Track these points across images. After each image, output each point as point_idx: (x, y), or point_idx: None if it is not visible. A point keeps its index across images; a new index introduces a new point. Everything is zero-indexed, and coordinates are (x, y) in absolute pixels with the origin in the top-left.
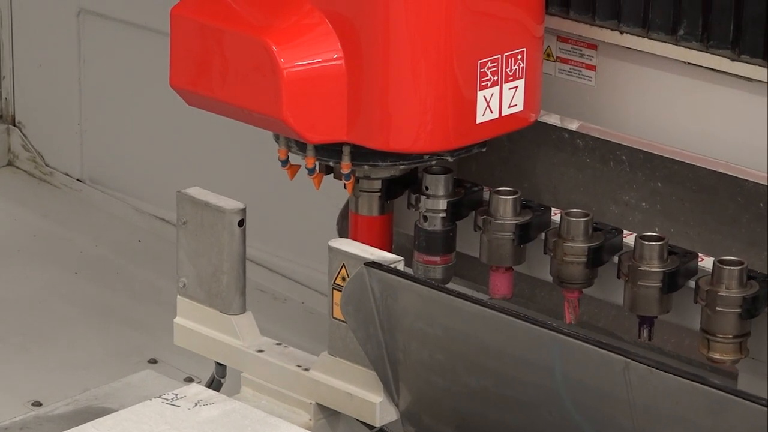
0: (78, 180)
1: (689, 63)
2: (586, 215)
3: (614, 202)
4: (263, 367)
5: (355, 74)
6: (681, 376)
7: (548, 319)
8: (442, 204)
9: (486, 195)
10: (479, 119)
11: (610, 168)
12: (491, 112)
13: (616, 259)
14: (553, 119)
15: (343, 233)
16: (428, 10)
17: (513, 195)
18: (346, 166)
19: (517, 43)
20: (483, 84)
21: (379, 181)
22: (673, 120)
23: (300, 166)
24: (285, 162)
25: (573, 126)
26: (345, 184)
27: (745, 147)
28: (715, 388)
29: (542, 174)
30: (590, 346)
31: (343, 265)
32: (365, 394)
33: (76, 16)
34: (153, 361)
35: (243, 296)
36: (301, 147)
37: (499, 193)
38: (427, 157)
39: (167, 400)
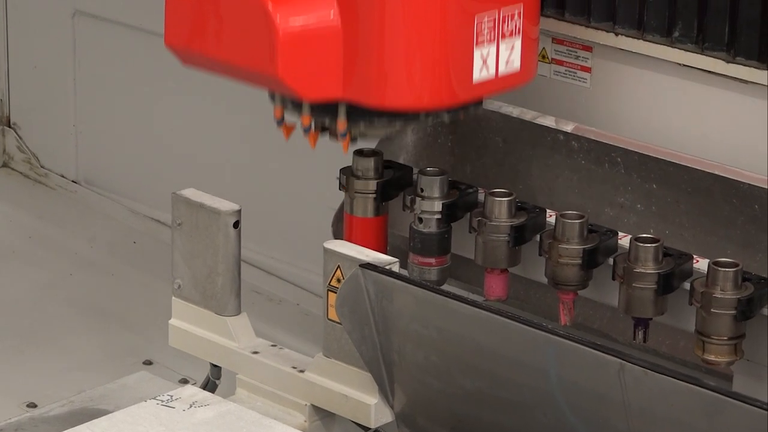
0: (73, 181)
1: (684, 65)
2: (581, 217)
3: (609, 203)
4: (258, 368)
5: (351, 31)
6: (676, 378)
7: (543, 321)
8: (437, 206)
9: (481, 197)
10: (476, 77)
11: (605, 170)
12: (488, 70)
13: (611, 260)
14: (548, 121)
15: (338, 235)
16: None
17: (508, 197)
18: (341, 124)
19: None
20: (479, 41)
21: (375, 183)
22: (668, 122)
23: (295, 125)
24: (280, 121)
25: (568, 128)
26: (342, 144)
27: (740, 149)
28: (710, 389)
29: (537, 176)
30: (585, 347)
31: (338, 266)
32: (360, 396)
33: (71, 17)
34: (148, 363)
35: (238, 298)
36: (297, 106)
37: (494, 194)
38: (423, 115)
39: (162, 401)
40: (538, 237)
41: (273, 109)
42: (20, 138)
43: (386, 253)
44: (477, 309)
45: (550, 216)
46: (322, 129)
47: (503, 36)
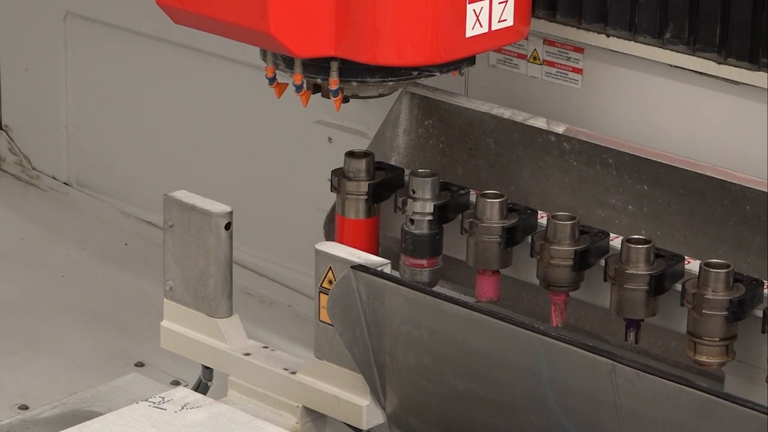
0: (65, 183)
1: (676, 66)
2: (573, 218)
3: (601, 205)
4: (250, 370)
5: None
6: (667, 379)
7: (535, 323)
8: (429, 207)
9: (472, 198)
10: (468, 33)
11: (597, 171)
12: (481, 25)
13: (602, 262)
14: (540, 122)
15: (329, 236)
16: None
17: (499, 198)
18: (333, 83)
19: None
20: None
21: (366, 184)
22: (659, 123)
23: (287, 84)
24: (272, 80)
25: (559, 129)
26: (334, 101)
27: (732, 150)
28: (701, 391)
29: (529, 177)
30: (577, 349)
31: (330, 268)
32: (352, 398)
33: (63, 19)
34: (140, 365)
35: (230, 299)
36: (289, 64)
37: (485, 196)
38: (415, 72)
39: (154, 403)
40: (529, 238)
41: (264, 68)
42: (12, 140)
43: (378, 255)
44: (469, 310)
45: (542, 217)
46: (314, 88)
47: None
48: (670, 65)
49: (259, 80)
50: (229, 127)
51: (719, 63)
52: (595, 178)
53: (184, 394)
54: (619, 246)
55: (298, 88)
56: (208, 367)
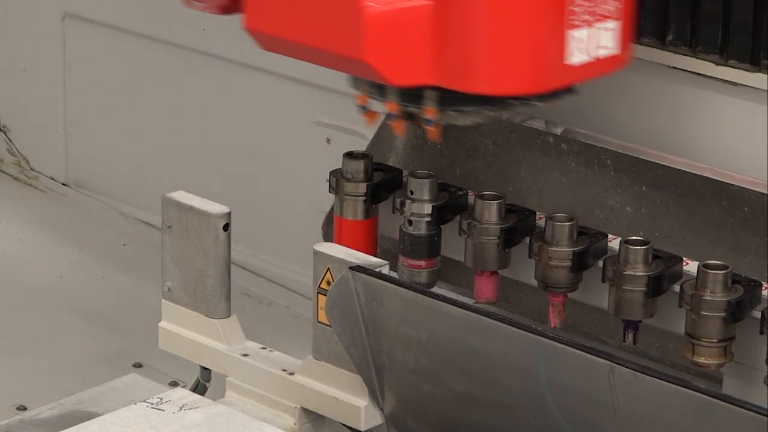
0: (63, 184)
1: (676, 68)
2: (571, 219)
3: (599, 206)
4: (248, 371)
5: (441, 11)
6: (665, 380)
7: (533, 324)
8: (427, 208)
9: (471, 199)
10: (569, 61)
11: (595, 172)
12: (582, 53)
13: (600, 263)
14: (538, 123)
15: (328, 237)
16: None
17: (498, 199)
18: (430, 112)
19: None
20: (573, 23)
21: (365, 185)
22: (658, 124)
23: (378, 112)
24: (363, 108)
25: (558, 130)
26: (428, 130)
27: (730, 151)
28: (699, 392)
29: (527, 178)
30: (575, 350)
31: (328, 269)
32: (350, 398)
33: (61, 20)
34: (138, 365)
35: (228, 300)
36: (382, 92)
37: (483, 197)
38: (514, 101)
39: (152, 404)
40: (527, 239)
41: (355, 95)
42: (10, 141)
43: (376, 256)
44: (467, 311)
45: (540, 218)
46: (408, 117)
47: (598, 18)
48: (670, 66)
49: (257, 81)
50: (227, 128)
51: (720, 64)
52: (593, 179)
53: (182, 394)
54: (618, 247)
55: (392, 117)
56: (206, 368)
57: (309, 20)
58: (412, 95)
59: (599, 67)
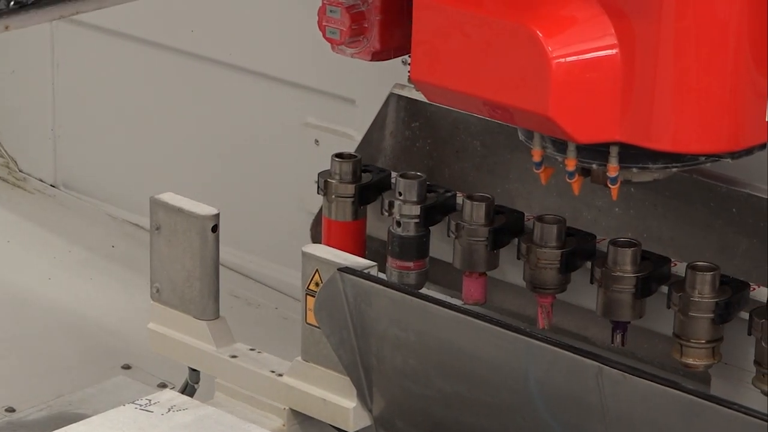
0: (51, 185)
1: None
2: (560, 220)
3: (587, 207)
4: (237, 372)
5: (631, 65)
6: (654, 381)
7: (522, 325)
8: (416, 209)
9: (459, 200)
10: None
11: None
12: None
13: (589, 264)
14: None
15: (316, 239)
16: None
17: (486, 200)
18: (613, 169)
19: None
20: None
21: (353, 186)
22: None
23: (554, 168)
24: (539, 165)
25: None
26: (611, 189)
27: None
28: (687, 393)
29: (515, 179)
30: (563, 351)
31: (317, 270)
32: (339, 400)
33: (50, 21)
34: (126, 367)
35: (216, 302)
36: (559, 147)
37: (472, 198)
38: (703, 158)
39: (140, 405)
40: (516, 240)
41: (531, 150)
42: None
43: (364, 257)
44: (455, 312)
45: (528, 219)
46: (584, 172)
47: None
48: None
49: (245, 83)
50: (216, 129)
51: None
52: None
53: (171, 396)
54: (606, 248)
55: (571, 175)
56: (194, 370)
57: (484, 71)
58: (591, 150)
59: None
